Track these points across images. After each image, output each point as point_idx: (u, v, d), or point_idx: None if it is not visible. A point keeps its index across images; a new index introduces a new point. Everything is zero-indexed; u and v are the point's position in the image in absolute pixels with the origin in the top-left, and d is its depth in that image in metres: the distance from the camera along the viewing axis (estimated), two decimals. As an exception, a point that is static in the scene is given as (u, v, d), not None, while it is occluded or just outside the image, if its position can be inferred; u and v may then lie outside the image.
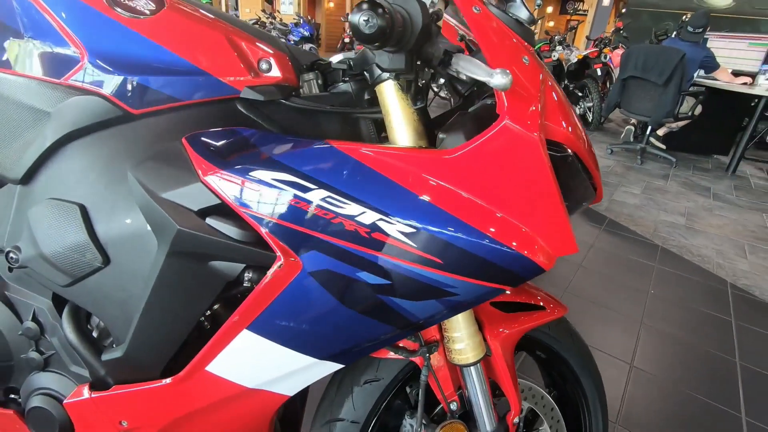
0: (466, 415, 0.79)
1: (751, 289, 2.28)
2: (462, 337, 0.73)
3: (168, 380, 0.61)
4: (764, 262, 2.58)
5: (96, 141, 0.62)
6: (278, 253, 0.54)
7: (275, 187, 0.53)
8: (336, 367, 0.63)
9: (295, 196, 0.53)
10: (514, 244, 0.55)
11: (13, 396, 0.74)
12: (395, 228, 0.54)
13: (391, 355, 0.76)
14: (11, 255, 0.63)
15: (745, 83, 3.97)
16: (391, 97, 0.62)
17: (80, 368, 0.67)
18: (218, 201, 0.55)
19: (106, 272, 0.60)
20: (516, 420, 0.78)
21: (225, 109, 0.65)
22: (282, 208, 0.53)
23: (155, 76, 0.61)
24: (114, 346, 0.64)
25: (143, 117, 0.62)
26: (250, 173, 0.54)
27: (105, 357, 0.62)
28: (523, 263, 0.56)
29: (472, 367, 0.75)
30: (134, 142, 0.61)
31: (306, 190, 0.53)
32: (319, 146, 0.55)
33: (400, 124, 0.62)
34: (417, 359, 0.76)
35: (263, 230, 0.54)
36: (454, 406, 0.77)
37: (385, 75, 0.62)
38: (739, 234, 2.93)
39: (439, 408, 0.82)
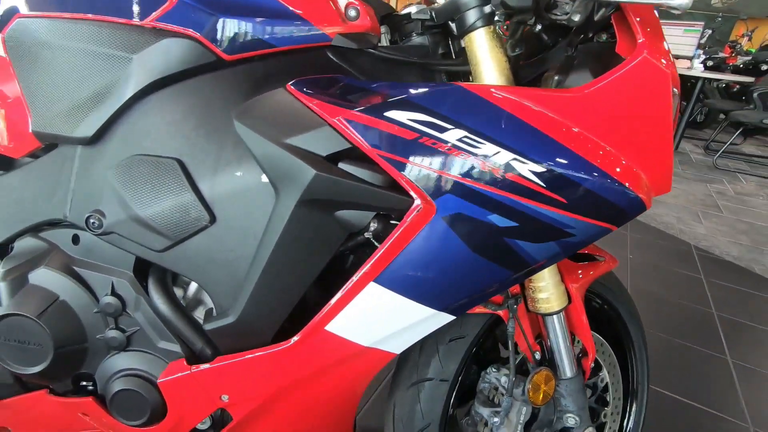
0: (546, 362, 0.80)
1: (712, 249, 2.51)
2: (547, 286, 0.74)
3: (282, 345, 0.57)
4: (717, 225, 2.85)
5: (187, 89, 0.56)
6: (415, 197, 0.52)
7: (411, 127, 0.51)
8: (448, 319, 0.62)
9: (432, 136, 0.51)
10: (628, 183, 0.56)
11: (84, 383, 0.66)
12: (527, 168, 0.53)
13: (477, 310, 0.76)
14: (92, 221, 0.56)
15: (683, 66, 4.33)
16: (484, 45, 0.62)
17: (170, 343, 0.60)
18: (349, 145, 0.52)
19: (211, 232, 0.55)
20: (592, 365, 0.81)
21: (315, 57, 0.62)
22: (418, 149, 0.51)
23: (251, 18, 0.56)
24: (215, 313, 0.59)
25: (236, 63, 0.57)
26: (385, 114, 0.51)
27: (210, 326, 0.57)
28: (633, 202, 0.57)
29: (555, 316, 0.76)
30: (231, 90, 0.57)
31: (442, 130, 0.51)
32: (449, 87, 0.54)
33: (493, 73, 0.62)
34: (502, 312, 0.76)
35: (398, 173, 0.51)
36: (537, 356, 0.79)
37: (480, 22, 0.61)
38: (691, 203, 3.21)
39: (519, 358, 0.83)
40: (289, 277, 0.54)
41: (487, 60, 0.62)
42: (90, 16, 0.56)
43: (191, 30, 0.55)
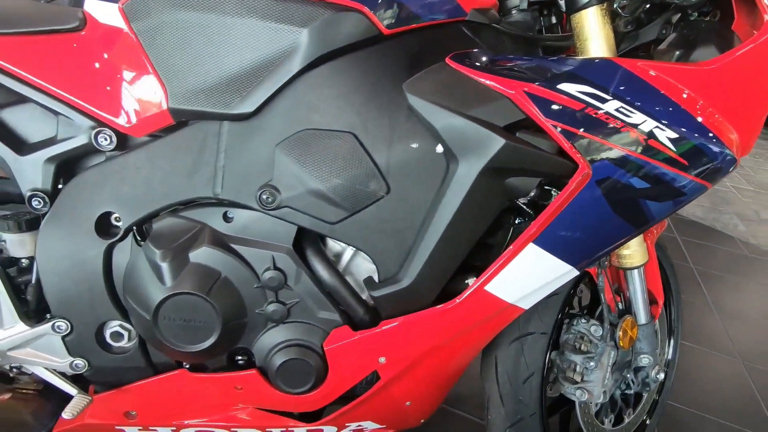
0: (625, 311, 0.90)
1: (680, 211, 2.78)
2: (631, 244, 0.83)
3: (445, 306, 0.61)
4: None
5: (352, 63, 0.57)
6: (580, 164, 0.57)
7: (579, 98, 0.56)
8: (575, 275, 0.69)
9: (595, 106, 0.56)
10: (731, 146, 0.65)
11: (239, 358, 0.67)
12: (665, 135, 0.60)
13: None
14: (264, 197, 0.57)
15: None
16: (596, 23, 0.67)
17: (329, 312, 0.62)
18: (523, 116, 0.55)
19: (383, 203, 0.57)
20: (661, 311, 0.92)
21: (452, 32, 0.64)
22: (584, 119, 0.56)
23: None
24: (378, 280, 0.62)
25: (393, 37, 0.58)
26: (557, 86, 0.55)
27: (379, 292, 0.60)
28: (731, 163, 0.66)
29: (636, 270, 0.85)
30: (393, 64, 0.58)
31: (603, 101, 0.56)
32: (604, 61, 0.58)
33: (603, 49, 0.67)
34: (592, 269, 0.84)
35: (566, 141, 0.56)
36: (620, 305, 0.88)
37: (595, 0, 0.66)
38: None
39: (599, 309, 0.92)
40: (461, 242, 0.58)
41: (597, 37, 0.67)
42: None
43: (360, 4, 0.55)
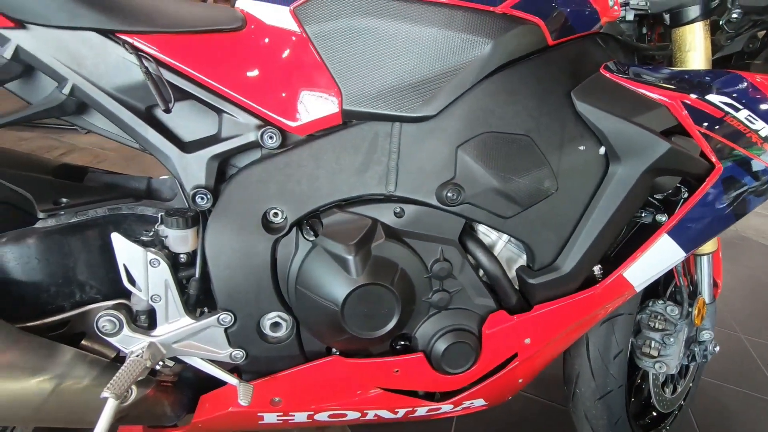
0: (693, 292, 1.01)
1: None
2: (708, 233, 0.93)
3: (590, 291, 0.69)
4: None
5: (523, 71, 0.62)
6: (716, 165, 0.65)
7: (720, 108, 0.64)
8: (683, 259, 0.77)
9: (732, 115, 0.64)
10: None
11: (402, 342, 0.71)
12: None
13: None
14: (449, 194, 0.61)
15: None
16: (699, 36, 0.75)
17: (485, 299, 0.68)
18: (676, 122, 0.63)
19: (551, 199, 0.63)
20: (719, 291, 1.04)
21: (592, 42, 0.70)
22: (723, 126, 0.64)
23: (569, 6, 0.63)
24: (534, 269, 0.68)
25: (554, 48, 0.64)
26: (706, 97, 0.63)
27: (538, 280, 0.66)
28: None
29: (705, 257, 0.96)
30: (556, 72, 0.64)
31: (737, 110, 0.65)
32: (735, 75, 0.66)
33: (701, 61, 0.76)
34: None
35: (708, 145, 0.64)
36: (690, 288, 0.99)
37: (701, 17, 0.74)
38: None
39: (669, 290, 1.03)
40: (614, 233, 0.66)
41: (699, 49, 0.75)
42: (454, 0, 0.59)
43: (537, 17, 0.60)
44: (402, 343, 0.73)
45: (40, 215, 0.66)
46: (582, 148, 0.63)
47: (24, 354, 0.60)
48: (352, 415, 0.81)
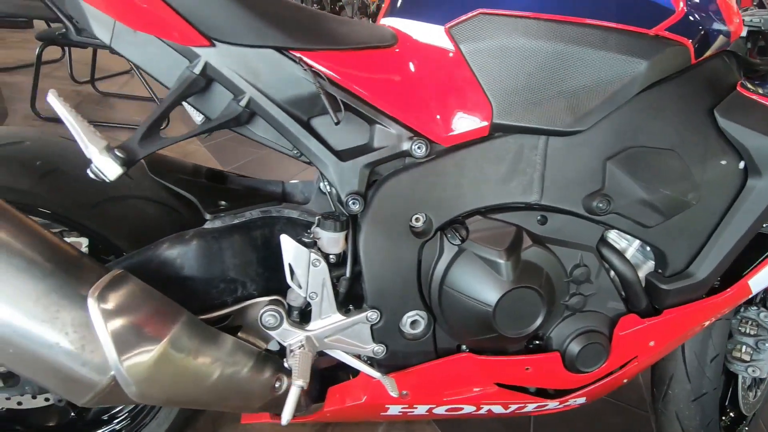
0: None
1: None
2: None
3: (719, 297, 0.72)
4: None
5: (670, 88, 0.66)
6: None
7: None
8: None
9: None
10: None
11: (537, 342, 0.76)
12: None
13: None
14: (598, 204, 0.65)
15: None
16: None
17: (616, 302, 0.73)
18: None
19: (692, 210, 0.67)
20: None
21: (722, 60, 0.73)
22: None
23: (712, 27, 0.67)
24: (665, 275, 0.72)
25: (695, 67, 0.68)
26: None
27: (672, 286, 0.70)
28: None
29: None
30: (697, 89, 0.67)
31: None
32: None
33: None
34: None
35: None
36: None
37: None
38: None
39: (758, 296, 1.05)
40: (746, 243, 0.69)
41: None
42: (594, 21, 0.63)
43: (686, 39, 0.64)
44: (536, 342, 0.77)
45: (207, 217, 0.71)
46: (723, 162, 0.67)
47: (204, 343, 0.65)
48: (468, 409, 0.86)
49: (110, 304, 0.54)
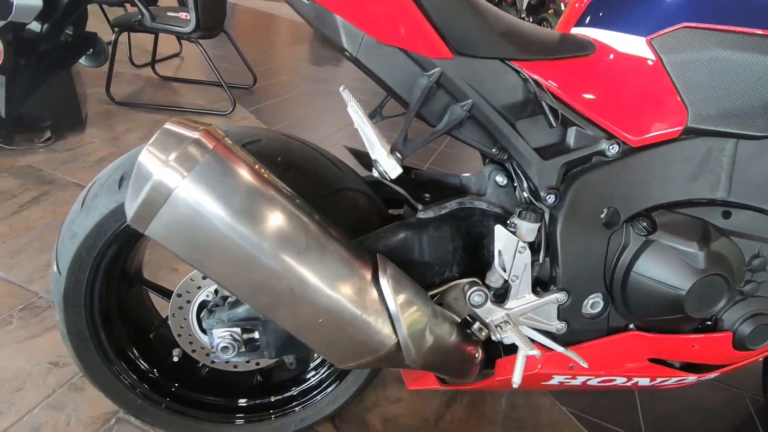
0: None
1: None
2: None
3: None
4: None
5: None
6: None
7: None
8: None
9: None
10: None
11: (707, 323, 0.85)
12: None
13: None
14: None
15: None
16: None
17: (784, 289, 0.81)
18: None
19: None
20: None
21: None
22: None
23: None
24: None
25: None
26: None
27: None
28: None
29: None
30: None
31: None
32: None
33: None
34: None
35: None
36: None
37: None
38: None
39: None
40: None
41: None
42: None
43: None
44: (706, 323, 0.86)
45: (420, 207, 0.80)
46: None
47: (440, 316, 0.75)
48: (619, 381, 0.96)
49: (392, 283, 0.64)
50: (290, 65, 4.40)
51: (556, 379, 0.94)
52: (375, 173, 0.66)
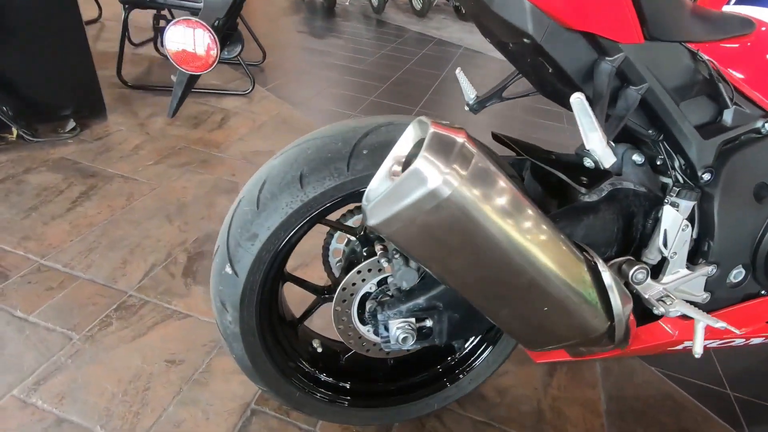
0: None
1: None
2: None
3: None
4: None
5: None
6: None
7: None
8: None
9: None
10: None
11: None
12: None
13: None
14: None
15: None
16: None
17: None
18: None
19: None
20: None
21: None
22: None
23: None
24: None
25: None
26: None
27: None
28: None
29: None
30: None
31: None
32: None
33: None
34: None
35: None
36: None
37: None
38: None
39: None
40: None
41: None
42: None
43: None
44: None
45: (583, 191, 0.82)
46: None
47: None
48: (737, 342, 1.03)
49: (610, 272, 0.67)
50: (291, 38, 4.24)
51: (683, 345, 1.00)
52: (589, 160, 0.67)
